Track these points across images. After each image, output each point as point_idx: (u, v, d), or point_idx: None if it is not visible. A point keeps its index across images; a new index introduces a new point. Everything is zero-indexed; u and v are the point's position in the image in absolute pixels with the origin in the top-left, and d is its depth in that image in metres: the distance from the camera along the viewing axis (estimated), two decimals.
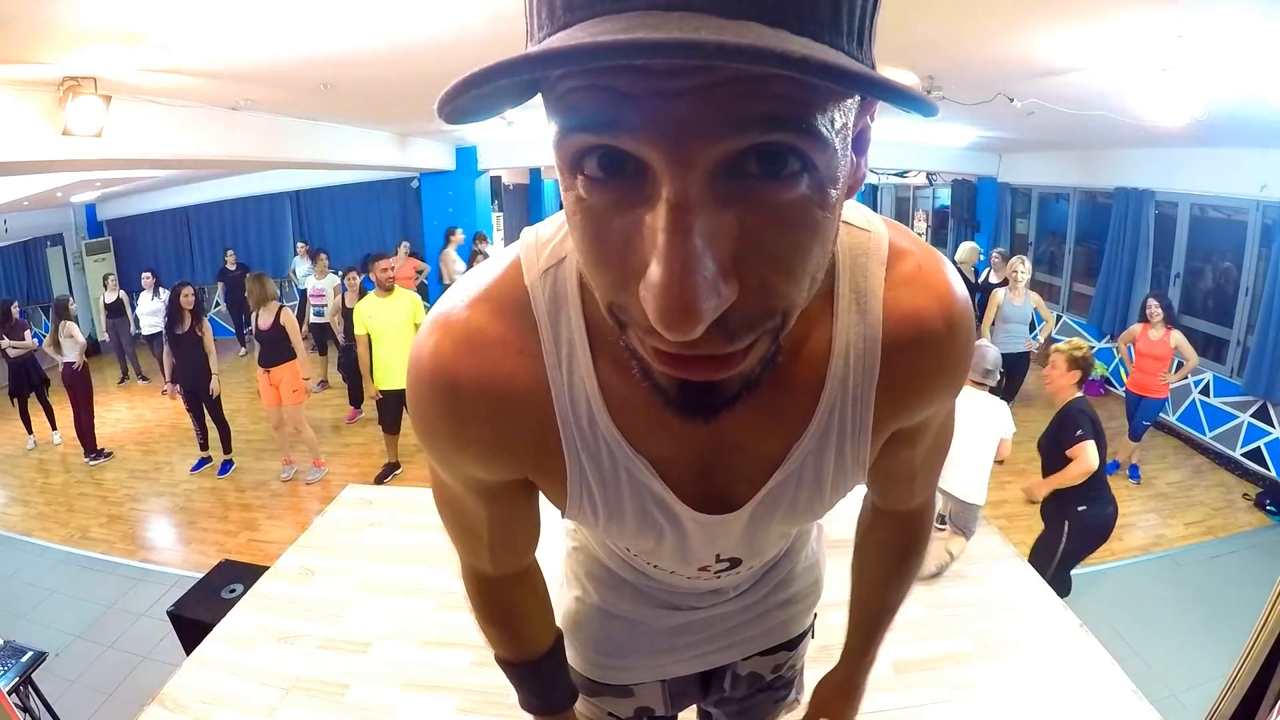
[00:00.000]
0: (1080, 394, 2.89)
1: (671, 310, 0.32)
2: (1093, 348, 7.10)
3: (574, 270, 0.51)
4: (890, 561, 0.85)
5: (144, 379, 7.67)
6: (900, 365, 0.54)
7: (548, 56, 0.27)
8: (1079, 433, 2.77)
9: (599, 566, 0.87)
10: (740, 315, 0.35)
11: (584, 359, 0.52)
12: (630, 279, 0.34)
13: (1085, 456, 2.73)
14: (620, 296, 0.36)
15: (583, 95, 0.31)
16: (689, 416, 0.41)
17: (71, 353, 5.53)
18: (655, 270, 0.32)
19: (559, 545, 0.95)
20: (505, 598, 0.78)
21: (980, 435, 2.67)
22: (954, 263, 6.84)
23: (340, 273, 6.26)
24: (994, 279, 6.14)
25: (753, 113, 0.30)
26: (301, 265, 8.11)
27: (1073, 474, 2.79)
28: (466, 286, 0.54)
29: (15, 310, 5.87)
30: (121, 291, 7.82)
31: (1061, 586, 3.01)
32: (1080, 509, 2.88)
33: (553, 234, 0.54)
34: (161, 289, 7.14)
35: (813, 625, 1.00)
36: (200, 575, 2.99)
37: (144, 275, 7.54)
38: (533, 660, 0.80)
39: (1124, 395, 5.23)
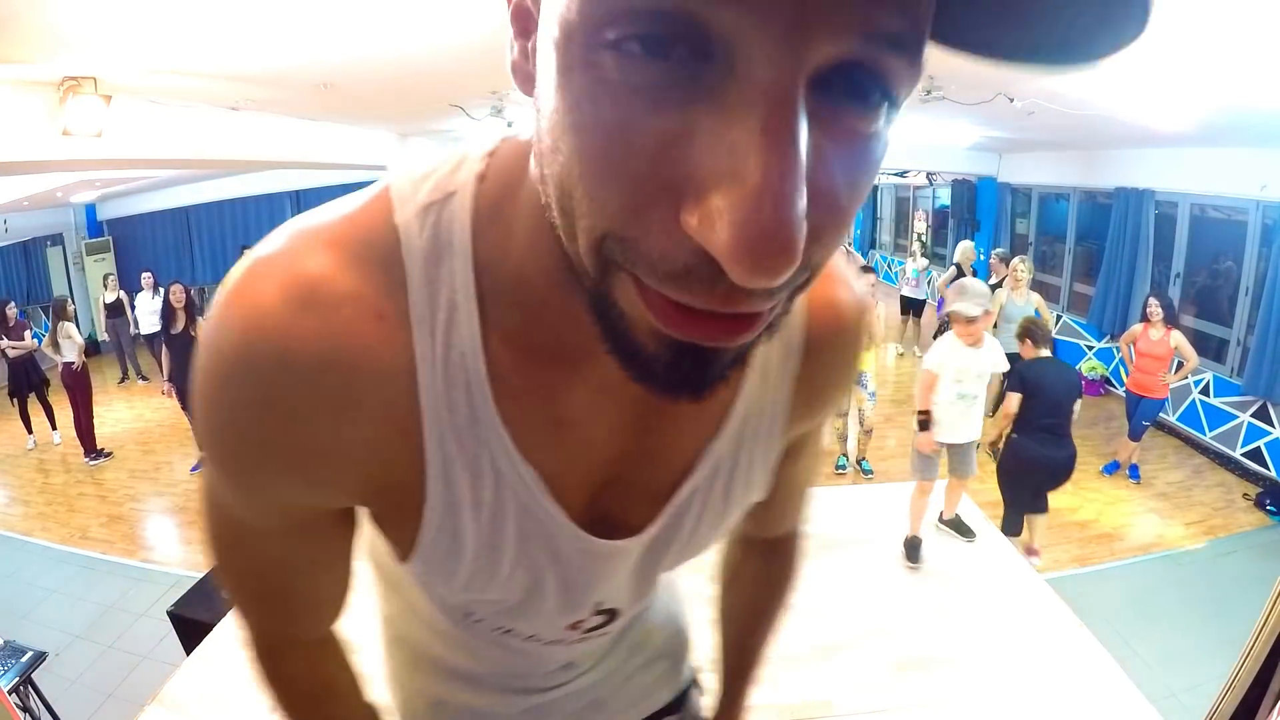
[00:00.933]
0: (1042, 355, 3.43)
1: (766, 240, 0.23)
2: (1091, 347, 7.11)
3: (466, 209, 0.38)
4: (765, 593, 0.76)
5: (144, 379, 7.67)
6: (818, 357, 0.48)
7: None
8: (1006, 385, 3.42)
9: (415, 653, 0.69)
10: None
11: (469, 328, 0.38)
12: (657, 201, 0.25)
13: (1005, 404, 3.39)
14: (631, 227, 0.26)
15: None
16: (678, 393, 0.31)
17: (70, 353, 5.54)
18: (748, 186, 0.23)
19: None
20: (313, 673, 0.59)
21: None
22: (954, 263, 6.83)
23: None
24: (993, 281, 6.15)
25: (884, 15, 0.23)
26: None
27: (998, 418, 3.50)
28: (307, 223, 0.38)
29: (13, 311, 5.87)
30: (121, 291, 7.82)
31: (1008, 525, 3.52)
32: (1013, 435, 3.47)
33: (439, 166, 0.40)
34: (161, 288, 7.16)
35: (697, 680, 0.86)
36: (200, 575, 2.99)
37: (143, 275, 7.55)
38: None
39: (1124, 395, 5.23)
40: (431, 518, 0.42)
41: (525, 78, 0.31)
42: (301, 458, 0.39)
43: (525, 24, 0.30)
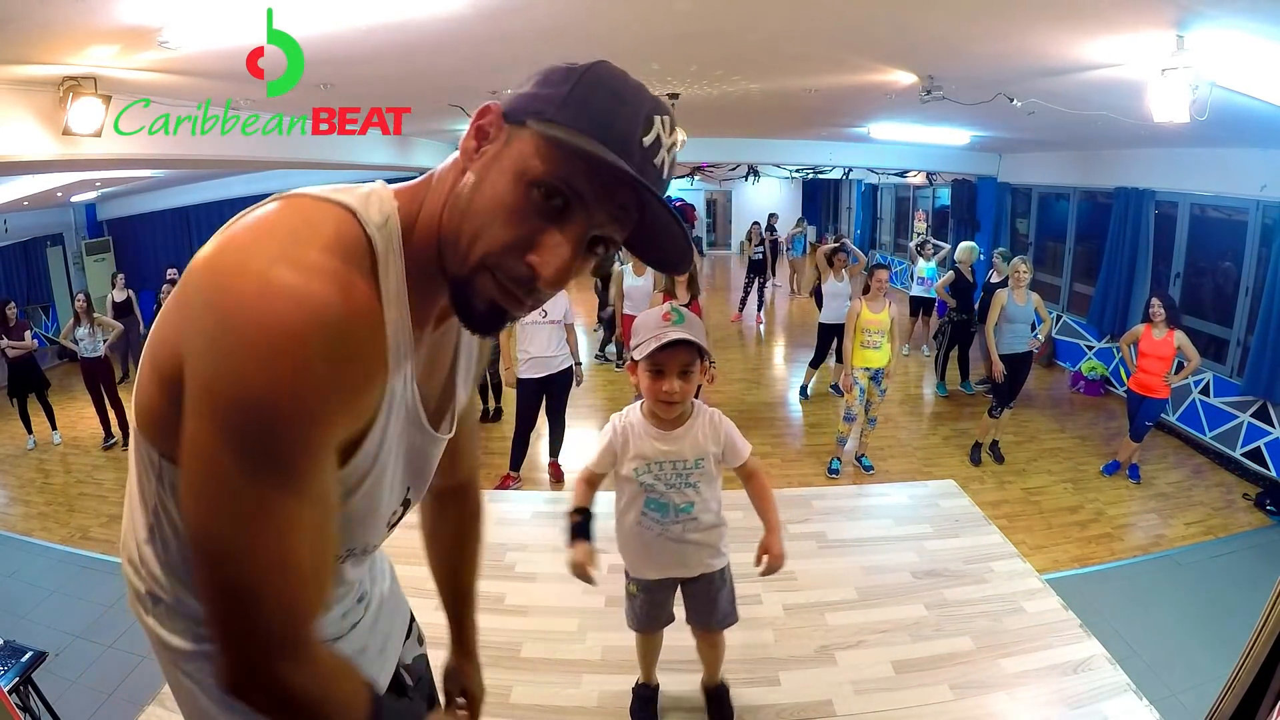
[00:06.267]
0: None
1: (558, 276, 0.57)
2: (1091, 347, 7.11)
3: (398, 228, 0.59)
4: (467, 530, 0.99)
5: None
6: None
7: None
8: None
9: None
10: None
11: (404, 302, 0.59)
12: (520, 248, 0.56)
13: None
14: (506, 256, 0.56)
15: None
16: (486, 333, 0.62)
17: (102, 345, 5.78)
18: (561, 256, 0.56)
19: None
20: (330, 661, 0.61)
21: None
22: (954, 263, 6.79)
23: None
24: (995, 279, 6.13)
25: (619, 232, 0.60)
26: None
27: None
28: (298, 234, 0.52)
29: (13, 311, 5.86)
30: (129, 291, 7.76)
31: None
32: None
33: (373, 192, 0.59)
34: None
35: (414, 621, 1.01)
36: None
37: (169, 271, 7.62)
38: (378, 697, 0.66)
39: (1125, 395, 5.23)
40: (372, 436, 0.61)
41: (469, 155, 0.59)
42: (345, 395, 0.53)
43: (484, 135, 0.59)
